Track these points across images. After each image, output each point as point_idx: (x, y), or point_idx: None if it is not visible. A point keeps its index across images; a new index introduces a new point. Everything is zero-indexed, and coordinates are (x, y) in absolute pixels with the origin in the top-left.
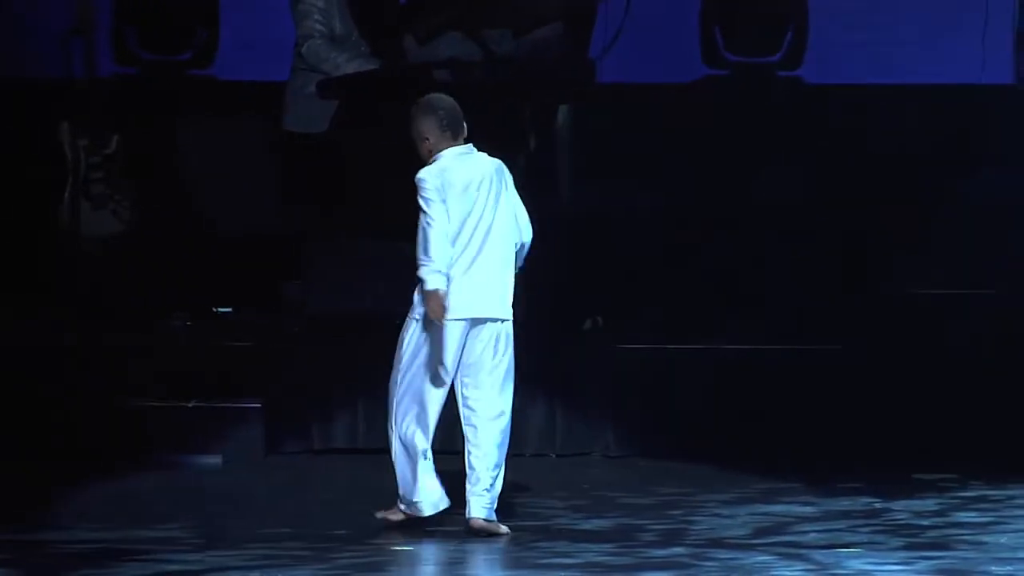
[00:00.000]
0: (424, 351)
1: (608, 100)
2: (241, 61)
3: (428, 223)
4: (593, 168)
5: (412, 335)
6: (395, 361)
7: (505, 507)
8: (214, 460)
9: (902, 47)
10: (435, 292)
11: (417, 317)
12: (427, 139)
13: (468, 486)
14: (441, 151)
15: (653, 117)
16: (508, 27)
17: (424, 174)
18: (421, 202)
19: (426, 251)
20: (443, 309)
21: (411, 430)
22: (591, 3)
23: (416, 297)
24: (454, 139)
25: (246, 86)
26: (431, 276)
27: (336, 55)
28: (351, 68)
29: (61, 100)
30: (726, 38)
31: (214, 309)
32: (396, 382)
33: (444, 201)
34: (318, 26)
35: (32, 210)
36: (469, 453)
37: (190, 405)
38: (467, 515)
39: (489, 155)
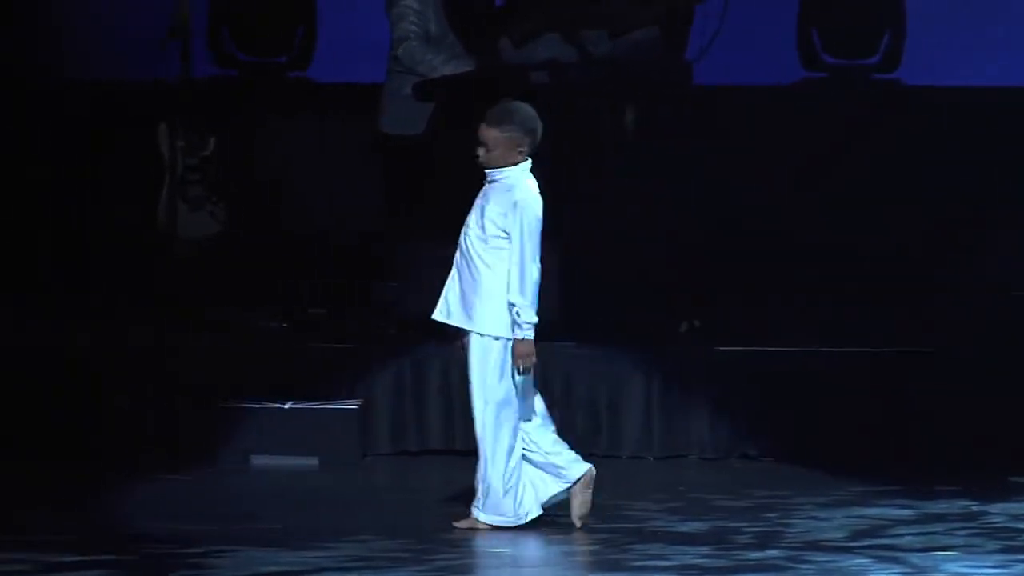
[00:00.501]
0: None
1: (704, 102)
2: (338, 63)
3: (535, 264)
4: (689, 170)
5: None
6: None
7: (601, 509)
8: (311, 461)
9: (999, 48)
10: (531, 342)
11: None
12: (522, 151)
13: (561, 459)
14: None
15: (750, 119)
16: (604, 28)
17: (535, 202)
18: (533, 232)
19: (529, 294)
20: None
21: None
22: (688, 5)
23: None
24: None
25: (342, 88)
26: (531, 330)
27: (432, 56)
28: (447, 69)
29: (158, 102)
30: (824, 40)
31: (308, 310)
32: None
33: None
34: (413, 28)
35: (130, 212)
36: (541, 441)
37: (286, 407)
38: (574, 481)
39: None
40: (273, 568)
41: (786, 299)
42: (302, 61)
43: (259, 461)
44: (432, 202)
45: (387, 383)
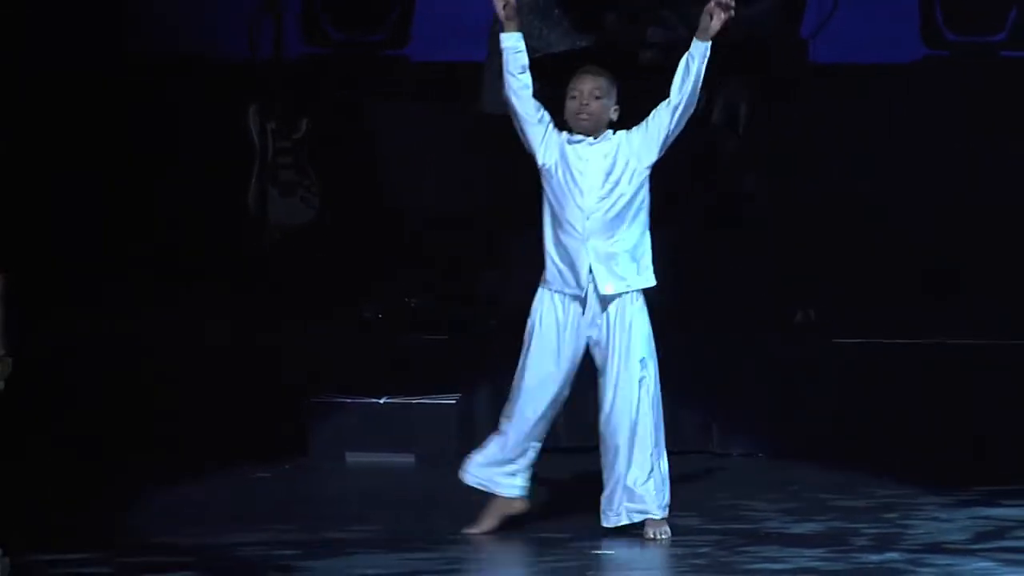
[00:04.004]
0: None
1: (821, 81)
2: (435, 42)
3: None
4: (805, 152)
5: None
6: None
7: (713, 509)
8: (407, 459)
9: None
10: None
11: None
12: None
13: None
14: None
15: (869, 99)
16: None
17: None
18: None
19: None
20: None
21: None
22: None
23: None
24: None
25: (441, 67)
26: None
27: (548, 31)
28: (563, 45)
29: (249, 82)
30: (947, 16)
31: (406, 300)
32: None
33: None
34: (524, 2)
35: (220, 196)
36: None
37: (381, 402)
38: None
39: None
40: (370, 570)
41: (905, 288)
42: (399, 39)
43: (354, 458)
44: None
45: (487, 377)
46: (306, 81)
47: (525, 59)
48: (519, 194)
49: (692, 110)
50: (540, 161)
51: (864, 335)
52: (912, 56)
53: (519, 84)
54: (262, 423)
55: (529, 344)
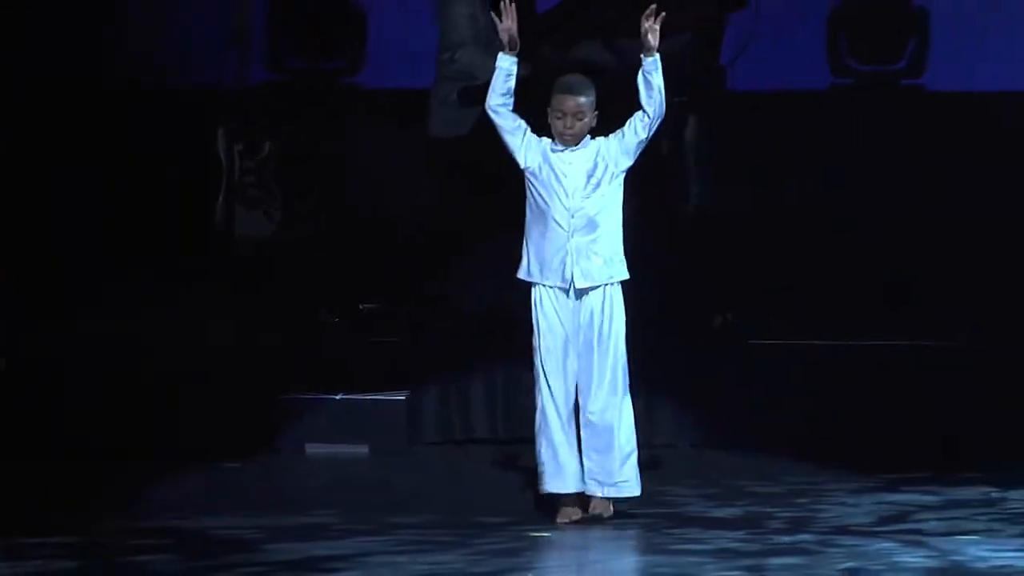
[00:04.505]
0: None
1: (737, 107)
2: (389, 69)
3: None
4: (722, 173)
5: None
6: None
7: (640, 495)
8: (361, 450)
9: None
10: None
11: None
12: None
13: None
14: None
15: (782, 124)
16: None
17: None
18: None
19: None
20: None
21: None
22: (720, 11)
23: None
24: None
25: (394, 93)
26: None
27: (491, 61)
28: None
29: (217, 108)
30: (851, 47)
31: (361, 306)
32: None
33: None
34: (469, 33)
35: (189, 212)
36: None
37: (337, 398)
38: None
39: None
40: (324, 552)
41: (816, 295)
42: (354, 67)
43: (313, 450)
44: (480, 203)
45: (433, 376)
46: (269, 106)
47: (512, 83)
48: (466, 209)
49: (663, 117)
50: (522, 164)
51: (778, 336)
52: (821, 84)
53: (498, 102)
54: (228, 421)
55: (540, 344)
